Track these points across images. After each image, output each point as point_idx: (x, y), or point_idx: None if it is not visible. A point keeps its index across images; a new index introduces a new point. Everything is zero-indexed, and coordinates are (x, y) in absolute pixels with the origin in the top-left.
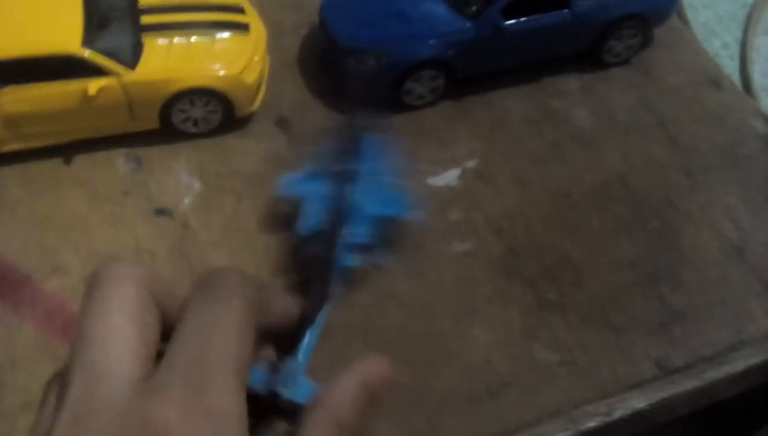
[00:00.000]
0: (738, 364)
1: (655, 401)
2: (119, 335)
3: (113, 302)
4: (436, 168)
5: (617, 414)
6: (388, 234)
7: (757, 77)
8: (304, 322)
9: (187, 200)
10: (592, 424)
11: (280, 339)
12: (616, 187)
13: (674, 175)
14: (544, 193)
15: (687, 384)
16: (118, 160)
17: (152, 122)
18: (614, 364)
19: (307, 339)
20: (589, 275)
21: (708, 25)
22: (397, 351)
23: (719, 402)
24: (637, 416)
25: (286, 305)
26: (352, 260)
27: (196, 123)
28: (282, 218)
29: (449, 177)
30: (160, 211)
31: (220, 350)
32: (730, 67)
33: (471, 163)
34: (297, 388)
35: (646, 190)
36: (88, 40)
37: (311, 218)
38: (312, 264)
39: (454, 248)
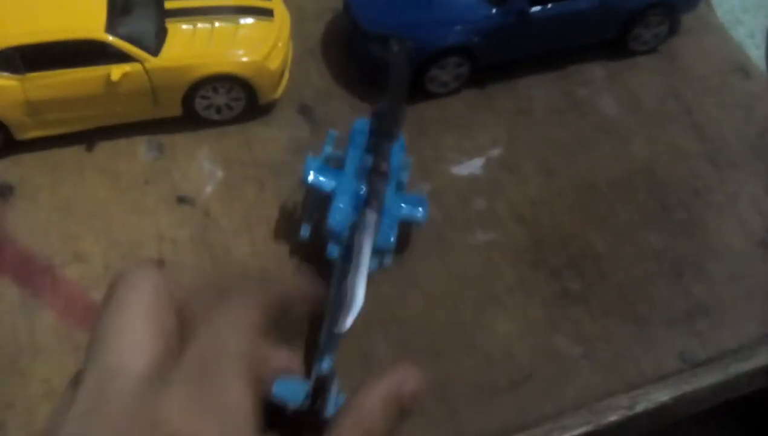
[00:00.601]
0: (763, 358)
1: (678, 394)
2: (134, 334)
3: (131, 304)
4: (459, 157)
5: (640, 408)
6: (401, 236)
7: None
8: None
9: (209, 188)
10: (614, 417)
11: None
12: (642, 177)
13: (700, 165)
14: (569, 182)
15: (711, 378)
16: (141, 147)
17: (175, 109)
18: (637, 357)
19: (331, 343)
20: (613, 266)
21: (733, 13)
22: (418, 341)
23: (738, 399)
24: (661, 410)
25: (303, 291)
26: (372, 265)
27: (219, 110)
28: (307, 207)
29: (473, 166)
30: (182, 200)
31: (231, 350)
32: (756, 57)
33: (495, 152)
34: (335, 404)
35: (672, 180)
36: (111, 26)
37: (341, 215)
38: (343, 263)
39: (478, 237)
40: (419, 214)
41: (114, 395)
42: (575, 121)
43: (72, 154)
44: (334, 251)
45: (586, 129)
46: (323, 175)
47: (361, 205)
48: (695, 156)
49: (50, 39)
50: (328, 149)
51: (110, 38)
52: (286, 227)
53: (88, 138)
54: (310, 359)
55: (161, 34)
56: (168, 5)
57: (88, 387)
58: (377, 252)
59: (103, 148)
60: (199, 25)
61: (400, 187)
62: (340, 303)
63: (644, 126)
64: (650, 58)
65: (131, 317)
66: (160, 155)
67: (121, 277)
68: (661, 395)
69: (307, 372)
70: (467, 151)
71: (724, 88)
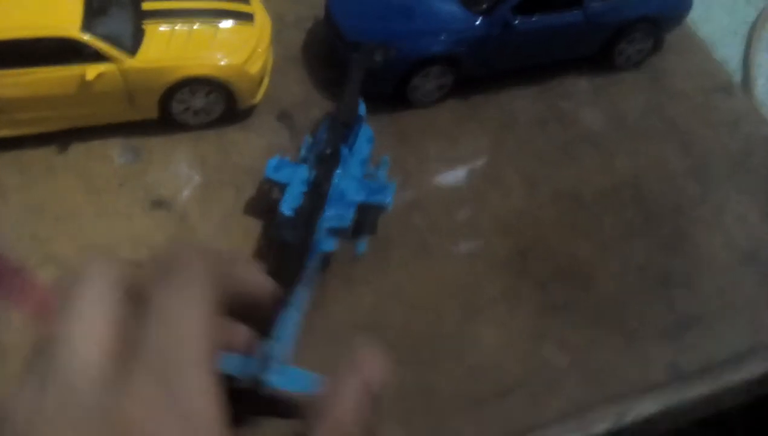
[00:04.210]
0: (751, 370)
1: (667, 406)
2: (86, 325)
3: (85, 300)
4: (443, 167)
5: (628, 419)
6: (367, 221)
7: (760, 92)
8: (278, 303)
9: (185, 193)
10: (601, 429)
11: (257, 323)
12: (627, 191)
13: (685, 181)
14: (553, 194)
15: (700, 389)
16: (115, 150)
17: (151, 111)
18: (625, 368)
19: (286, 323)
20: (598, 278)
21: (709, 39)
22: (401, 351)
23: (726, 412)
24: (648, 422)
25: (256, 277)
26: (329, 245)
27: (196, 114)
28: (268, 201)
29: (457, 176)
30: (158, 204)
31: (187, 338)
32: (735, 82)
33: (479, 163)
34: (284, 375)
35: (658, 195)
36: (87, 25)
37: (292, 201)
38: (288, 245)
39: (461, 247)
40: (382, 199)
41: (71, 398)
42: (559, 134)
43: (44, 155)
44: (289, 235)
45: (570, 142)
46: (282, 170)
47: (308, 186)
48: (679, 171)
49: (23, 36)
50: (304, 152)
51: (85, 37)
52: (263, 233)
53: (61, 139)
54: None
55: (138, 35)
56: (146, 6)
57: (42, 390)
58: (334, 232)
59: (77, 149)
60: (178, 27)
61: (367, 174)
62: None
63: (628, 140)
64: (634, 74)
65: (81, 307)
66: (135, 158)
67: (79, 270)
68: (648, 407)
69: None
70: (451, 161)
71: (707, 106)
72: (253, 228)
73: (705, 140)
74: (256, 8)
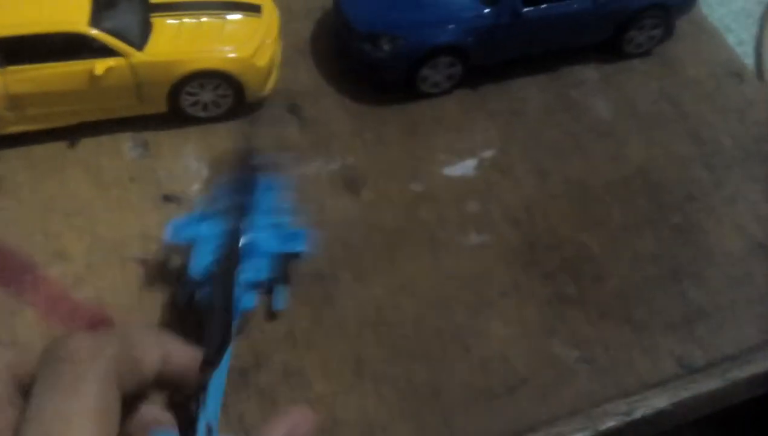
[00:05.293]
0: (762, 364)
1: (677, 400)
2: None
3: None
4: (452, 158)
5: (638, 413)
6: (285, 270)
7: None
8: (204, 369)
9: (196, 187)
10: (611, 423)
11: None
12: (637, 181)
13: (696, 169)
14: (563, 184)
15: (710, 384)
16: (125, 144)
17: (160, 105)
18: (635, 361)
19: (215, 387)
20: (609, 270)
21: (723, 22)
22: (410, 345)
23: (734, 407)
24: (659, 416)
25: (170, 348)
26: (250, 301)
27: (205, 107)
28: (173, 270)
29: (466, 167)
30: (169, 198)
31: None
32: (748, 64)
33: (488, 154)
34: None
35: (668, 184)
36: (95, 20)
37: (203, 259)
38: (207, 306)
39: (471, 239)
40: (295, 247)
41: None
42: (569, 124)
43: (54, 150)
44: (201, 296)
45: (580, 131)
46: (183, 231)
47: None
48: (690, 160)
49: (32, 32)
50: (202, 207)
51: (94, 32)
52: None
53: (70, 134)
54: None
55: (146, 29)
56: (153, 0)
57: None
58: (252, 285)
59: (87, 144)
60: (186, 20)
61: (279, 222)
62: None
63: (639, 129)
64: (644, 62)
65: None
66: (145, 153)
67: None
68: (659, 401)
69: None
70: (460, 153)
71: (718, 92)
72: None
73: (716, 127)
74: (264, 0)
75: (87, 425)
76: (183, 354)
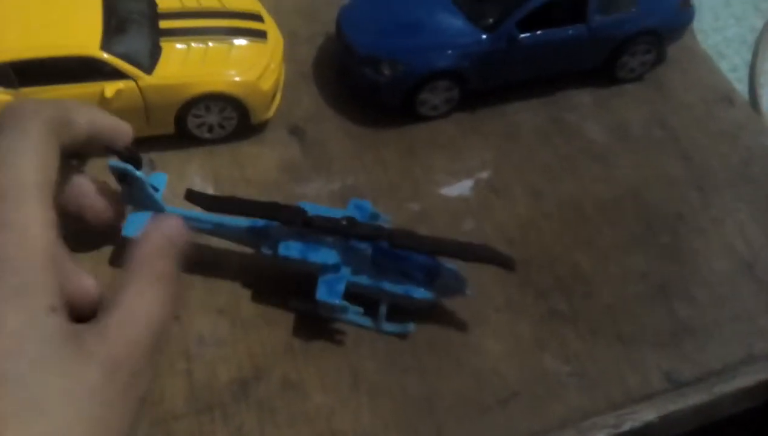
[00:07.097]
0: (748, 379)
1: (665, 413)
2: None
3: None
4: (449, 178)
5: (626, 427)
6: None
7: (766, 100)
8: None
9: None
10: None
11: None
12: (628, 201)
13: (686, 191)
14: (556, 205)
15: (697, 398)
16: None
17: (167, 127)
18: (624, 376)
19: None
20: (599, 287)
21: (717, 48)
22: (405, 359)
23: (721, 420)
24: (647, 429)
25: (102, 120)
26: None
27: (211, 129)
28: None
29: (462, 187)
30: None
31: (18, 179)
32: (739, 90)
33: (484, 175)
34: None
35: (658, 205)
36: (106, 43)
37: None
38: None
39: None
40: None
41: None
42: (562, 146)
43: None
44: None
45: (573, 154)
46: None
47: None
48: (681, 181)
49: (45, 55)
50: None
51: (105, 55)
52: None
53: (79, 154)
54: None
55: (155, 53)
56: (163, 25)
57: None
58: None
59: (94, 164)
60: (194, 44)
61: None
62: None
63: (631, 152)
64: (637, 87)
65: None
66: (151, 172)
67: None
68: (647, 414)
69: None
70: (457, 173)
71: (709, 117)
72: None
73: (706, 150)
74: (270, 26)
75: (31, 156)
76: (109, 119)
